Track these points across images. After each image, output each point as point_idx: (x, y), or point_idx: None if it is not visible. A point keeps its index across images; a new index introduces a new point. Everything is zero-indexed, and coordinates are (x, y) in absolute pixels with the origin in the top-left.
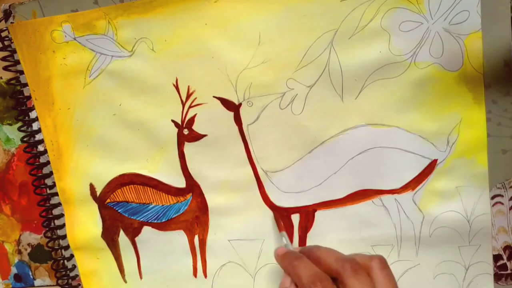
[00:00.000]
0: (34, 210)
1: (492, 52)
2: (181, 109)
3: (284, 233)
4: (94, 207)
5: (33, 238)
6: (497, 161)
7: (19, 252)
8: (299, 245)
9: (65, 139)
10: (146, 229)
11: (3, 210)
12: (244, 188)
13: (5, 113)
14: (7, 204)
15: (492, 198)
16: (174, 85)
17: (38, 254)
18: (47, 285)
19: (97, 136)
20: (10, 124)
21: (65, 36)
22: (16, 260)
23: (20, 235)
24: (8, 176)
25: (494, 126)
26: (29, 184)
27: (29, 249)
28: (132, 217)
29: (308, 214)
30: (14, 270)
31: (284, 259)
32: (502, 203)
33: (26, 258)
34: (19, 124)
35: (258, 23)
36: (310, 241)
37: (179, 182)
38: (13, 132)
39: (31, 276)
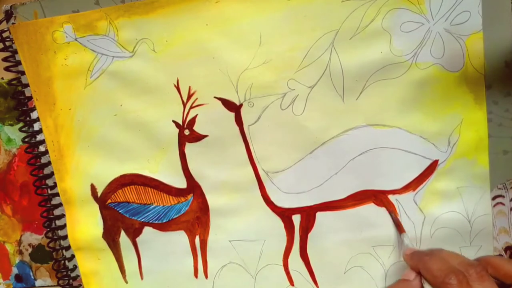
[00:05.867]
0: (35, 210)
1: (493, 52)
2: (182, 110)
3: (405, 234)
4: (95, 207)
5: (34, 238)
6: (498, 161)
7: (20, 252)
8: (300, 245)
9: (66, 140)
10: (147, 230)
11: (4, 211)
12: (245, 188)
13: (6, 114)
14: (8, 205)
15: (493, 198)
16: (175, 85)
17: (39, 254)
18: (48, 286)
19: (98, 137)
20: (12, 125)
21: (66, 37)
22: (17, 261)
23: (21, 235)
24: (9, 177)
25: (495, 126)
26: (30, 184)
27: (30, 250)
28: (133, 218)
29: (309, 214)
30: (15, 271)
31: (413, 256)
32: (503, 204)
33: (27, 258)
34: (20, 124)
35: (259, 23)
36: (311, 242)
37: (180, 182)
38: (14, 133)
39: (32, 277)
